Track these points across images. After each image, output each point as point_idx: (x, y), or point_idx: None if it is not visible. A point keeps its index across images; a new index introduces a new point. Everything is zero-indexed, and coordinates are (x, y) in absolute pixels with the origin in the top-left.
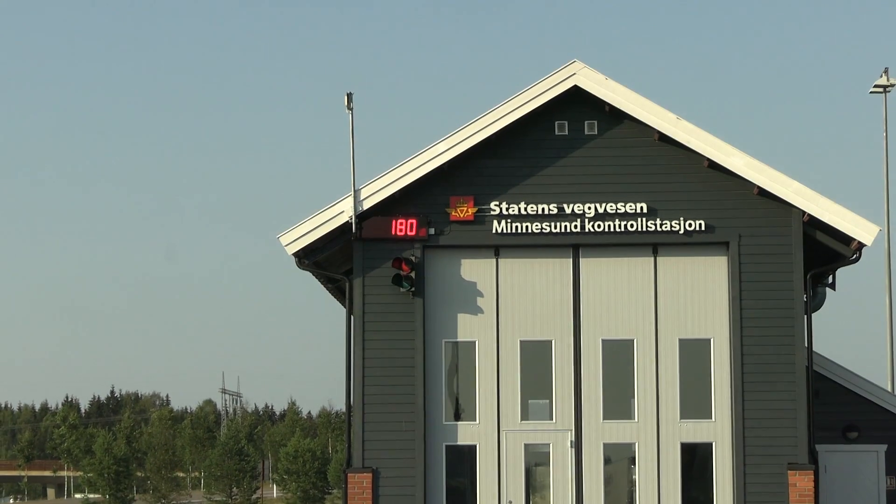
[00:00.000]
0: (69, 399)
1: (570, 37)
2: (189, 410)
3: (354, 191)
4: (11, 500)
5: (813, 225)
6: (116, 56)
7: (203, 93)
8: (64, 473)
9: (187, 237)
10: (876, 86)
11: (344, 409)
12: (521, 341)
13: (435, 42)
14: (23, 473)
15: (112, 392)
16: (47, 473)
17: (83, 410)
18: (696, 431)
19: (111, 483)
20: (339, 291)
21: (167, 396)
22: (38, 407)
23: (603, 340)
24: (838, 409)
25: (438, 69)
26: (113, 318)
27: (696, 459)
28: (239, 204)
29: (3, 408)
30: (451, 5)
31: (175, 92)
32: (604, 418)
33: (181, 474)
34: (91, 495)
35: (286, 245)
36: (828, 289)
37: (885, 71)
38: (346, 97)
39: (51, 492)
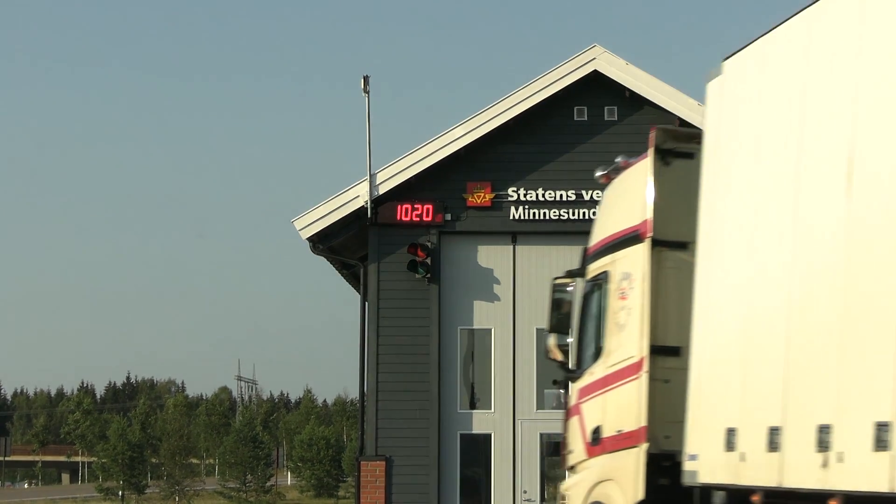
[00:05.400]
0: (84, 385)
1: (591, 21)
2: (204, 397)
3: (370, 175)
4: (26, 486)
5: None
6: (127, 41)
7: (219, 76)
8: (78, 458)
9: (202, 223)
10: None
11: (358, 397)
12: (537, 329)
13: (453, 26)
14: (37, 458)
15: (128, 378)
16: (61, 458)
17: (99, 396)
18: None
19: (125, 469)
20: (354, 277)
21: (183, 383)
22: (53, 392)
23: None
24: None
25: (456, 53)
26: (129, 304)
27: None
28: (254, 189)
29: (18, 393)
30: None
31: (192, 74)
32: None
33: (195, 461)
34: (105, 484)
35: (300, 229)
36: None
37: None
38: (362, 80)
39: (65, 477)
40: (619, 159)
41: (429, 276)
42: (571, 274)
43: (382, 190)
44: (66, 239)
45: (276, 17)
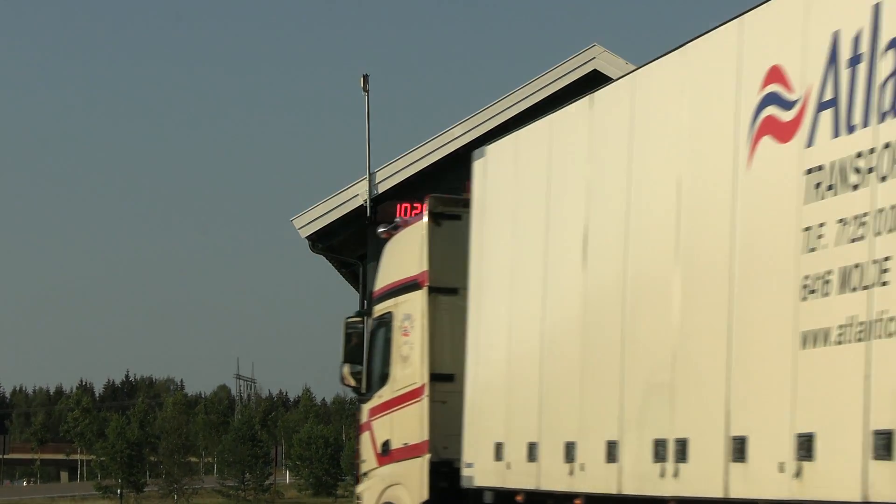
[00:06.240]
0: (83, 383)
1: (590, 19)
2: (203, 396)
3: (370, 174)
4: (24, 483)
5: None
6: (128, 38)
7: (219, 75)
8: (77, 457)
9: (202, 221)
10: None
11: None
12: None
13: (452, 25)
14: (36, 456)
15: (127, 376)
16: (60, 456)
17: (98, 394)
18: None
19: (124, 467)
20: (353, 276)
21: (181, 381)
22: (52, 390)
23: None
24: None
25: (456, 52)
26: (128, 302)
27: None
28: (253, 188)
29: (17, 391)
30: None
31: (192, 73)
32: None
33: (194, 459)
34: (103, 482)
35: (300, 228)
36: None
37: None
38: (361, 79)
39: (64, 475)
40: (398, 219)
41: None
42: (360, 314)
43: (382, 189)
44: (65, 237)
45: (275, 16)
